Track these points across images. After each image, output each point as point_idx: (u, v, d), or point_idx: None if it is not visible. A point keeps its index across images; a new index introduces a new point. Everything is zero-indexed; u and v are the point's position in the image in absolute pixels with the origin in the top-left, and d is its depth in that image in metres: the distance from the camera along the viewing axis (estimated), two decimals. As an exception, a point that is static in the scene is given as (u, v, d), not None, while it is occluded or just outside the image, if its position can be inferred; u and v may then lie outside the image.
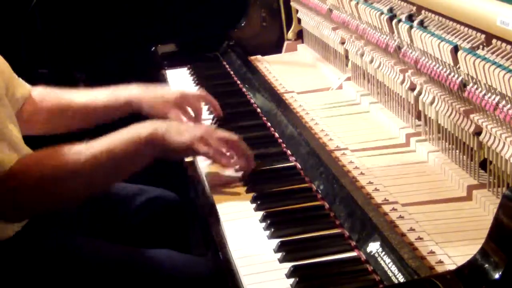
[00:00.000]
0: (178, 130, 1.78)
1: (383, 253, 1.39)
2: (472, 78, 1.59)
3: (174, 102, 2.15)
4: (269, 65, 2.76)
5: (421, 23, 1.82)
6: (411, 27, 1.83)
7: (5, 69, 1.99)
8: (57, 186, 1.70)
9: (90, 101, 2.14)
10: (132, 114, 2.16)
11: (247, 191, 1.79)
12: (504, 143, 1.51)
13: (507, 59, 1.48)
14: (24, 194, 1.67)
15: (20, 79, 2.08)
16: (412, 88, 1.92)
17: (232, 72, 2.70)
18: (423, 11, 1.85)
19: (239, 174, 1.86)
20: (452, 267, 1.35)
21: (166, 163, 1.81)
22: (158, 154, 1.77)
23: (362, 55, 2.20)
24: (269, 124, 2.18)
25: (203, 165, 1.94)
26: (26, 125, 2.01)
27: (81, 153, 1.71)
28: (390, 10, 1.97)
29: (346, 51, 2.39)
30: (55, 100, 2.13)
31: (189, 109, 2.19)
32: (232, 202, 1.75)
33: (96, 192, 1.84)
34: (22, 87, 2.07)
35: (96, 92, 2.15)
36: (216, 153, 1.80)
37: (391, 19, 1.95)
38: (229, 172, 1.87)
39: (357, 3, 2.13)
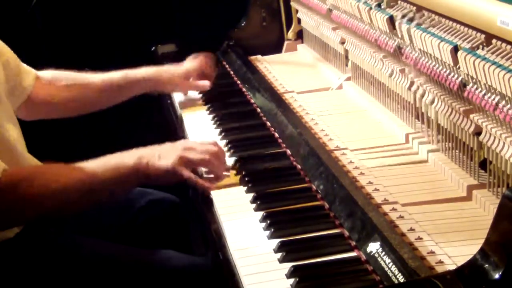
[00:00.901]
0: (160, 155, 1.80)
1: (383, 253, 1.39)
2: (472, 78, 1.59)
3: (185, 77, 2.42)
4: (269, 65, 2.76)
5: (421, 23, 1.82)
6: (411, 27, 1.83)
7: (10, 59, 2.01)
8: (41, 203, 1.71)
9: (106, 81, 2.25)
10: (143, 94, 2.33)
11: (247, 191, 1.79)
12: (504, 143, 1.51)
13: (507, 59, 1.48)
14: (8, 206, 1.68)
15: (25, 66, 2.11)
16: (412, 88, 1.92)
17: (232, 72, 2.70)
18: (423, 11, 1.85)
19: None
20: (452, 267, 1.35)
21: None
22: (143, 182, 1.82)
23: (362, 55, 2.20)
24: (269, 124, 2.18)
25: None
26: (43, 108, 2.06)
27: (67, 174, 1.75)
28: (390, 10, 1.98)
29: (346, 51, 2.39)
30: (73, 80, 2.21)
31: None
32: (232, 202, 1.75)
33: (79, 210, 1.87)
34: (28, 74, 2.10)
35: (110, 74, 2.27)
36: (198, 179, 1.83)
37: (391, 19, 1.95)
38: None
39: (357, 3, 2.13)
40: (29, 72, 2.11)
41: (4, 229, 1.79)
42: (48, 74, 2.19)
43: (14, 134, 1.87)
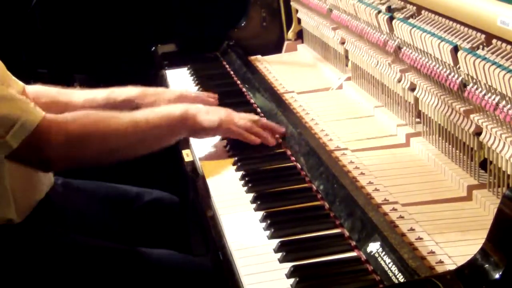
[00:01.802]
0: (207, 111, 1.92)
1: (383, 253, 1.39)
2: (472, 78, 1.59)
3: (175, 102, 2.18)
4: (269, 65, 2.76)
5: (420, 22, 1.81)
6: (411, 27, 1.83)
7: None
8: (95, 143, 1.79)
9: (89, 101, 2.14)
10: None
11: (247, 191, 1.79)
12: (504, 143, 1.51)
13: (507, 59, 1.48)
14: (57, 147, 1.74)
15: (13, 77, 2.08)
16: (412, 88, 1.92)
17: (232, 72, 2.70)
18: (423, 11, 1.86)
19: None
20: (452, 267, 1.35)
21: (166, 166, 1.82)
22: (188, 132, 1.92)
23: (362, 55, 2.20)
24: (269, 124, 2.18)
25: (203, 164, 1.94)
26: None
27: (120, 117, 1.81)
28: (390, 9, 1.98)
29: (346, 51, 2.39)
30: (53, 98, 2.13)
31: None
32: (232, 202, 1.75)
33: (125, 157, 1.88)
34: (15, 85, 2.07)
35: (94, 92, 2.17)
36: (246, 132, 1.94)
37: (391, 19, 1.95)
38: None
39: (357, 2, 2.13)
40: (16, 84, 2.06)
41: (65, 169, 1.88)
42: (32, 89, 2.11)
43: None
